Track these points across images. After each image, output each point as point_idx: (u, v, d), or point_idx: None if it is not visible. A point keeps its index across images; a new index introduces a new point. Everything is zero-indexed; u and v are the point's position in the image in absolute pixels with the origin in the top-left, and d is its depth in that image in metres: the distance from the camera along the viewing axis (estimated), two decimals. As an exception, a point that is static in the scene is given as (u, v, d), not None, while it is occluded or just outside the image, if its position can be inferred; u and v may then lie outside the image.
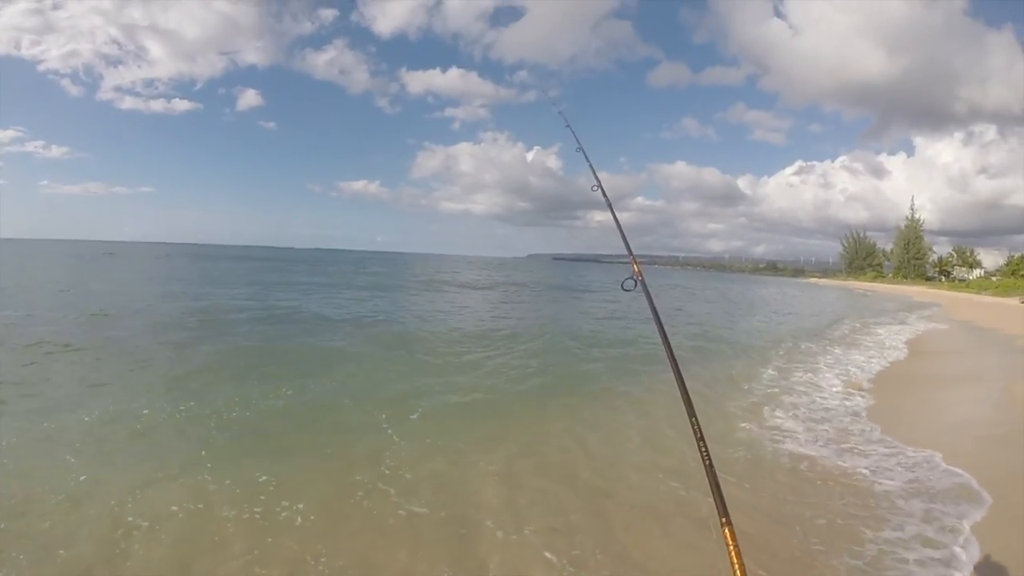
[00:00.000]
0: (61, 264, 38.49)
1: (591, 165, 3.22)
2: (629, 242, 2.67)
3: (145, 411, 6.51)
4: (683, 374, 2.02)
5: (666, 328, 2.14)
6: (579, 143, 3.51)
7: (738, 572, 1.55)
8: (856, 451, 6.41)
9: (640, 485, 5.27)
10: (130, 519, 4.17)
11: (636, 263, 2.40)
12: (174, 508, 4.31)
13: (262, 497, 4.55)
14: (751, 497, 5.03)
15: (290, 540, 4.00)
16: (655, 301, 2.23)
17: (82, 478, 4.78)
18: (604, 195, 2.90)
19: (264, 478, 4.89)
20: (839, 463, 6.00)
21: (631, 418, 7.30)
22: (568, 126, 3.89)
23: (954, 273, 79.22)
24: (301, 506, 4.42)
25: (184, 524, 4.15)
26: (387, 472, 5.24)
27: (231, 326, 12.47)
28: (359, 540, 4.11)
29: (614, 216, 2.72)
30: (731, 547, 1.60)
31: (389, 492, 4.82)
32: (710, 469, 1.78)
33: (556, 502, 4.85)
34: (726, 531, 1.63)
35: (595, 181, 3.01)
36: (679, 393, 1.98)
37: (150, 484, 4.74)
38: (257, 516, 4.27)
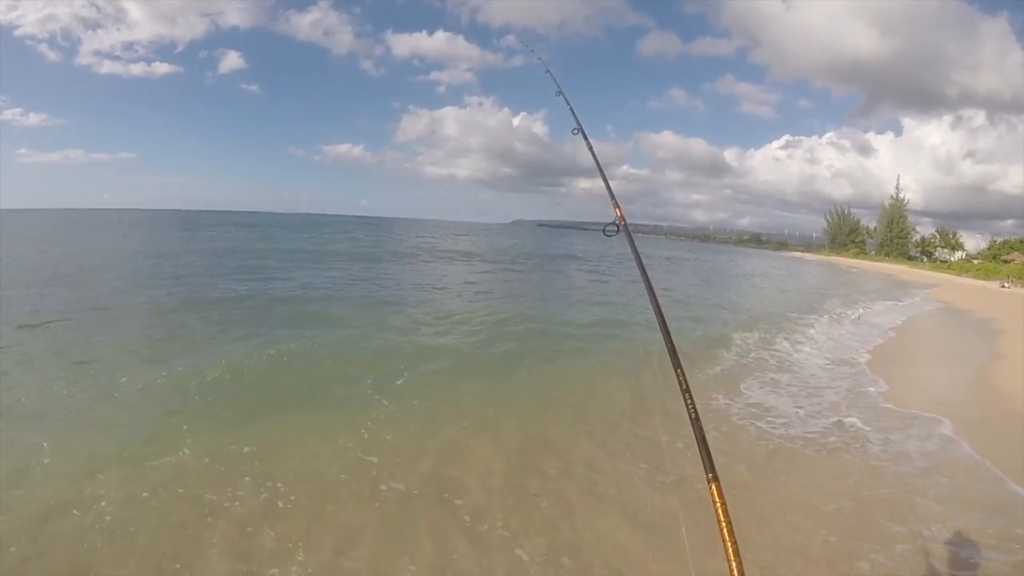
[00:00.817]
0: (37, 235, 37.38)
1: (571, 108, 3.03)
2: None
3: (123, 379, 6.31)
4: (668, 325, 1.87)
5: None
6: (559, 86, 3.33)
7: (725, 530, 1.43)
8: (857, 426, 6.30)
9: (620, 458, 5.17)
10: (103, 504, 3.90)
11: (619, 208, 2.24)
12: (145, 494, 4.04)
13: (247, 478, 4.31)
14: (746, 480, 4.81)
15: (271, 527, 3.78)
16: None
17: (46, 460, 4.44)
18: (584, 136, 2.71)
19: (247, 449, 4.74)
20: (842, 438, 5.90)
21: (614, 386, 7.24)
22: (548, 71, 3.71)
23: (936, 254, 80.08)
24: (281, 486, 4.22)
25: (159, 511, 3.89)
26: (367, 436, 5.15)
27: (212, 298, 12.13)
28: (340, 523, 3.92)
29: (593, 153, 2.55)
30: (718, 504, 1.47)
31: (371, 461, 4.70)
32: (696, 423, 1.65)
33: (534, 476, 4.75)
34: (713, 487, 1.51)
35: (576, 124, 2.83)
36: (664, 344, 1.83)
37: (125, 461, 4.49)
38: (238, 503, 4.01)
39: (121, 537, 3.59)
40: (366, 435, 5.18)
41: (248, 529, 3.74)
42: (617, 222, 2.19)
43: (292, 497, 4.11)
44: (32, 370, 6.73)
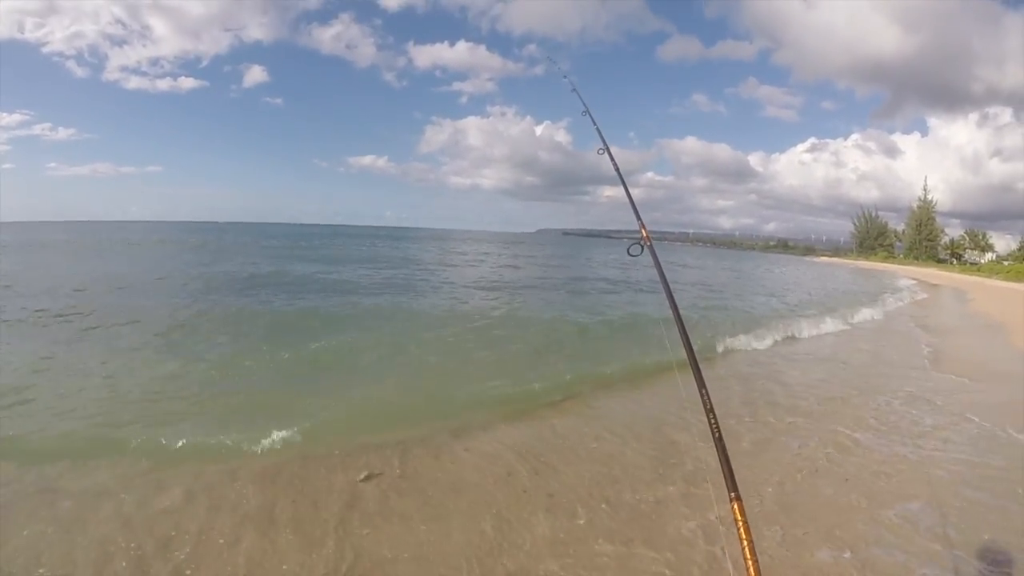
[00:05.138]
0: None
1: (598, 128, 3.09)
2: (638, 208, 2.56)
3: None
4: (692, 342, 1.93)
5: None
6: (585, 106, 3.39)
7: (747, 548, 1.50)
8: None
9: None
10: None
11: (644, 228, 2.30)
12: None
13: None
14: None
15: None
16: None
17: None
18: (610, 156, 2.78)
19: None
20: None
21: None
22: (574, 90, 3.77)
23: (966, 256, 78.26)
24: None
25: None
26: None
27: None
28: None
29: (620, 175, 2.61)
30: (740, 522, 1.55)
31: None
32: (719, 442, 1.72)
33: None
34: (734, 506, 1.59)
35: (602, 144, 2.89)
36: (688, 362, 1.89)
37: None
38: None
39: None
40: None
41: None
42: (643, 242, 2.24)
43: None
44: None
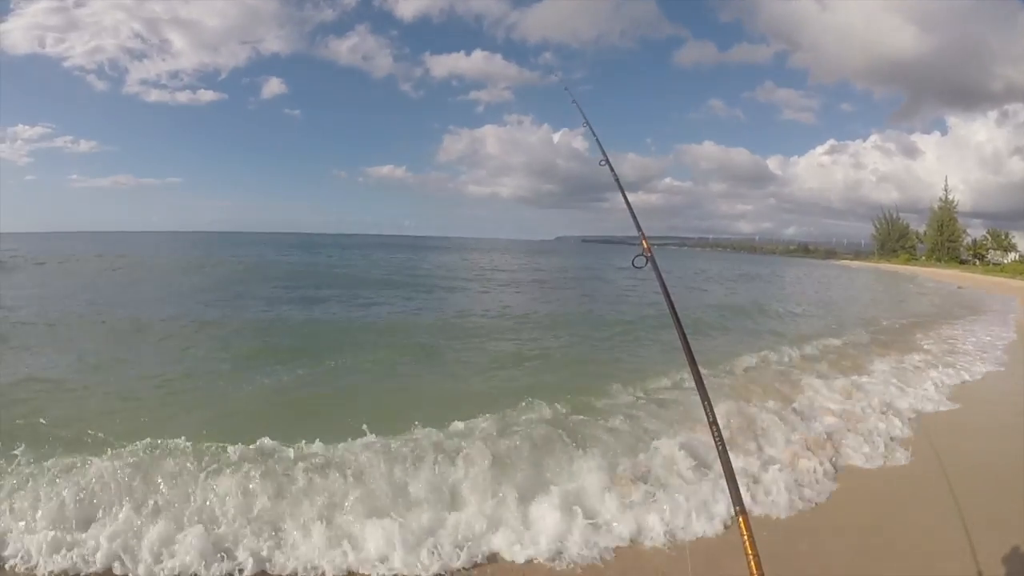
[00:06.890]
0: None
1: (598, 140, 3.12)
2: (640, 221, 2.57)
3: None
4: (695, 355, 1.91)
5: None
6: (585, 118, 3.43)
7: (752, 563, 1.47)
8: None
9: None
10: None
11: (645, 240, 2.31)
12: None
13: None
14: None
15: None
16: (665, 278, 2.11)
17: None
18: (611, 169, 2.80)
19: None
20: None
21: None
22: (574, 101, 3.84)
23: (988, 256, 76.84)
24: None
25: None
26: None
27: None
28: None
29: (620, 187, 2.63)
30: (746, 537, 1.53)
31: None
32: (724, 455, 1.71)
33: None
34: (740, 520, 1.57)
35: (602, 156, 2.92)
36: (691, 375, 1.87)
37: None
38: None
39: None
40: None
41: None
42: (645, 255, 2.25)
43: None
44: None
